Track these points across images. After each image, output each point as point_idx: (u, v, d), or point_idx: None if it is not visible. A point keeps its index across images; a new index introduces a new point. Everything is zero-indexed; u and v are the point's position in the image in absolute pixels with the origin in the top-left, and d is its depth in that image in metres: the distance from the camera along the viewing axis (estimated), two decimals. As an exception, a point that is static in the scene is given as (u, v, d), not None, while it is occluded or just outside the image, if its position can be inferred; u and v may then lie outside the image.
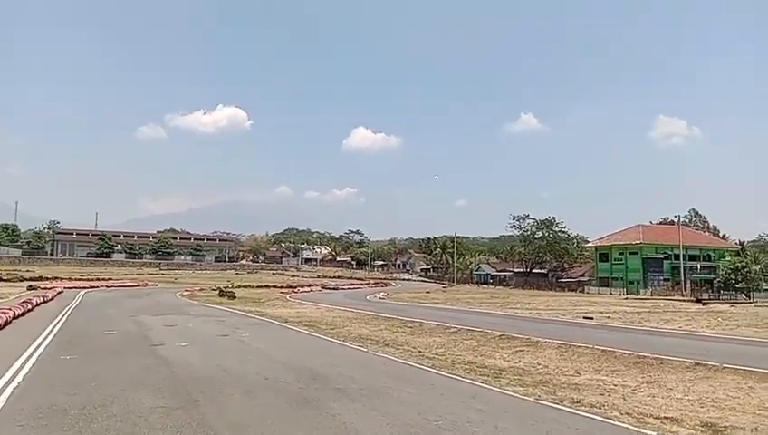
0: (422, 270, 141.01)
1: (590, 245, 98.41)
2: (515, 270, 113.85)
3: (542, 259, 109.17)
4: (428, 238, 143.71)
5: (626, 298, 61.92)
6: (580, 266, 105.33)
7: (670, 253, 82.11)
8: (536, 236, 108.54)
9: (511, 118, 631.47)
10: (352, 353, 15.27)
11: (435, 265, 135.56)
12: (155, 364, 12.74)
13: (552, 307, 40.91)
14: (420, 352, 15.63)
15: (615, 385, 11.30)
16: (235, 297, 46.23)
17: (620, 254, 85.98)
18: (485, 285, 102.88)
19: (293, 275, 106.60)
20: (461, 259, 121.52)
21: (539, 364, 13.86)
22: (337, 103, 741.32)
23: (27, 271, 77.83)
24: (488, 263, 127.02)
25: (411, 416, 8.18)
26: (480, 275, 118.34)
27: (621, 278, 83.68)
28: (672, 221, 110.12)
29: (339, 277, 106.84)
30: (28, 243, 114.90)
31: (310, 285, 77.54)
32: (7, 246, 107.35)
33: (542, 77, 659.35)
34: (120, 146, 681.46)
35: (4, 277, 59.90)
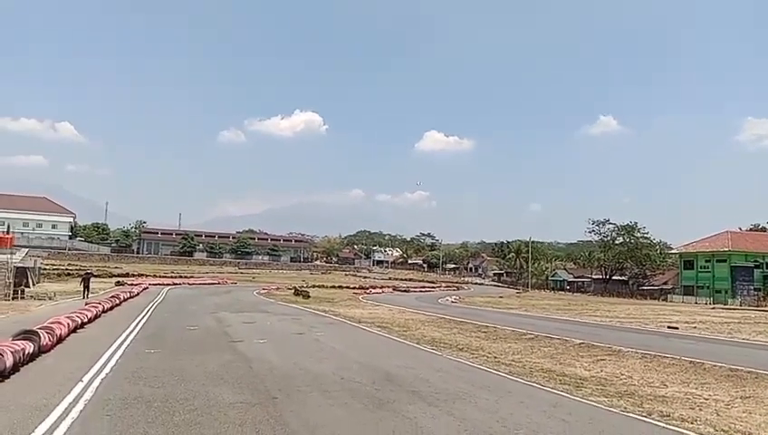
0: (495, 275, 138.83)
1: (674, 251, 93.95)
2: (594, 277, 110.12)
3: (623, 266, 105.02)
4: (502, 242, 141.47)
5: (713, 308, 58.60)
6: (663, 274, 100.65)
7: (761, 261, 77.19)
8: (616, 242, 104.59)
9: (589, 120, 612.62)
10: (426, 356, 15.11)
11: (508, 270, 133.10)
12: (234, 360, 13.06)
13: (633, 316, 39.22)
14: (496, 357, 15.29)
15: (706, 399, 10.62)
16: (310, 297, 47.02)
17: (707, 261, 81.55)
18: (561, 292, 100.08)
19: (365, 277, 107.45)
20: (536, 264, 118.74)
21: (622, 374, 13.24)
22: (409, 107, 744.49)
23: (116, 268, 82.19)
24: (565, 269, 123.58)
25: (490, 423, 7.95)
26: (556, 281, 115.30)
27: (708, 287, 79.33)
28: (763, 228, 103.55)
29: (410, 280, 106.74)
30: (117, 241, 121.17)
31: (381, 287, 77.92)
32: (98, 244, 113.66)
33: (622, 78, 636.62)
34: (202, 149, 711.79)
35: (95, 274, 63.45)
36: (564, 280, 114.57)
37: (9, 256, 31.79)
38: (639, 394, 10.82)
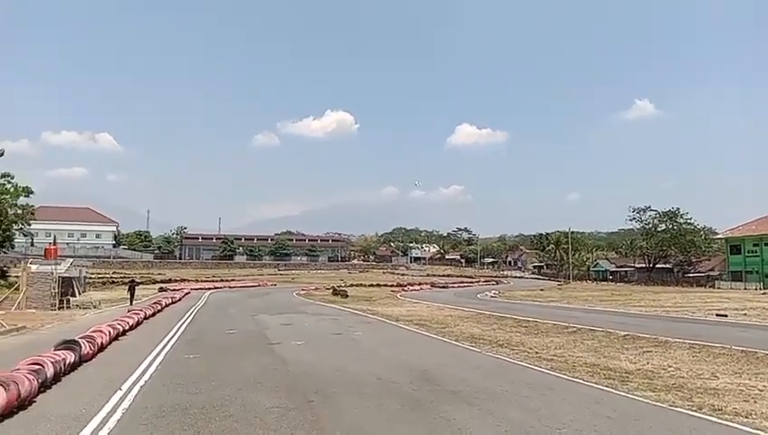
0: (534, 267, 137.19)
1: (719, 236, 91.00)
2: (637, 265, 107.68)
3: (667, 253, 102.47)
4: (540, 234, 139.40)
5: (763, 293, 56.55)
6: (709, 260, 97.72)
7: (813, 242, 74.11)
8: (659, 229, 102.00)
9: (624, 105, 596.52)
10: (465, 354, 14.87)
11: (548, 262, 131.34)
12: (272, 363, 13.05)
13: (679, 304, 38.15)
14: (537, 353, 14.95)
15: (761, 391, 10.13)
16: (348, 296, 47.15)
17: (755, 245, 78.69)
18: (604, 282, 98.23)
19: (403, 274, 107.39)
20: (576, 255, 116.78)
21: (669, 367, 12.78)
22: (440, 101, 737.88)
23: (158, 274, 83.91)
24: (606, 258, 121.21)
25: (531, 422, 7.70)
26: (598, 271, 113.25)
27: (757, 272, 76.52)
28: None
29: (448, 275, 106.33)
30: (159, 248, 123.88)
31: (419, 284, 77.72)
32: (141, 251, 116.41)
33: (657, 61, 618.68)
34: (238, 154, 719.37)
35: (139, 281, 64.88)
36: (606, 270, 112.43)
37: (54, 266, 32.63)
38: (689, 387, 10.40)
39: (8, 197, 42.21)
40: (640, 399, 9.42)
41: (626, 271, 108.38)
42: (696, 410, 8.56)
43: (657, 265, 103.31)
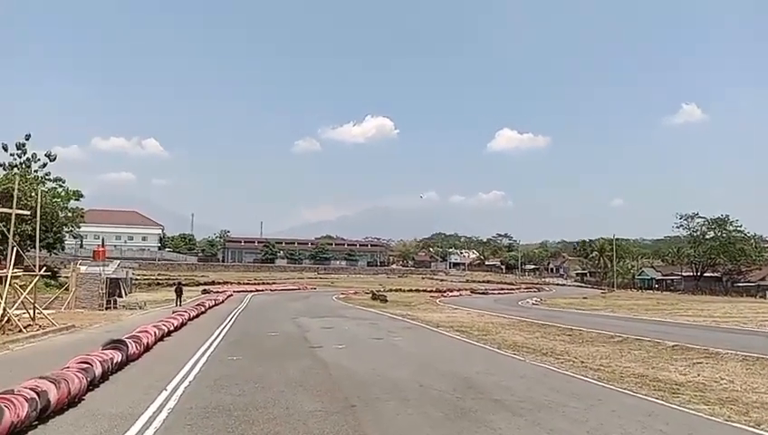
0: (577, 275, 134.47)
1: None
2: (683, 274, 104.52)
3: (715, 262, 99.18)
4: (583, 241, 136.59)
5: (820, 305, 54.20)
6: (760, 269, 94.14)
7: None
8: (707, 237, 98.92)
9: (670, 109, 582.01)
10: (508, 362, 14.61)
11: (591, 270, 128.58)
12: (313, 366, 13.06)
13: (729, 314, 36.83)
14: (583, 362, 14.57)
15: (822, 407, 9.62)
16: (387, 301, 47.07)
17: (811, 255, 75.62)
18: (649, 291, 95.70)
19: (442, 280, 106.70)
20: (621, 263, 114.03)
21: (722, 379, 12.28)
22: (480, 106, 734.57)
23: (202, 276, 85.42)
24: (652, 266, 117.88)
25: (580, 434, 7.47)
26: (643, 279, 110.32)
27: (813, 282, 73.54)
28: None
29: (488, 282, 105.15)
30: (203, 250, 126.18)
31: (459, 290, 77.15)
32: (185, 253, 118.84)
33: (703, 64, 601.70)
34: (280, 159, 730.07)
35: (183, 282, 66.18)
36: (652, 278, 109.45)
37: (102, 268, 33.56)
38: (744, 401, 9.95)
39: (60, 200, 43.64)
40: (693, 412, 9.06)
41: (672, 280, 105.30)
42: (754, 426, 8.16)
43: (705, 274, 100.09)
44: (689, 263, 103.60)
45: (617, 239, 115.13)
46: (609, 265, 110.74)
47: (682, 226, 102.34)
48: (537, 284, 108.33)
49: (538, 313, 37.87)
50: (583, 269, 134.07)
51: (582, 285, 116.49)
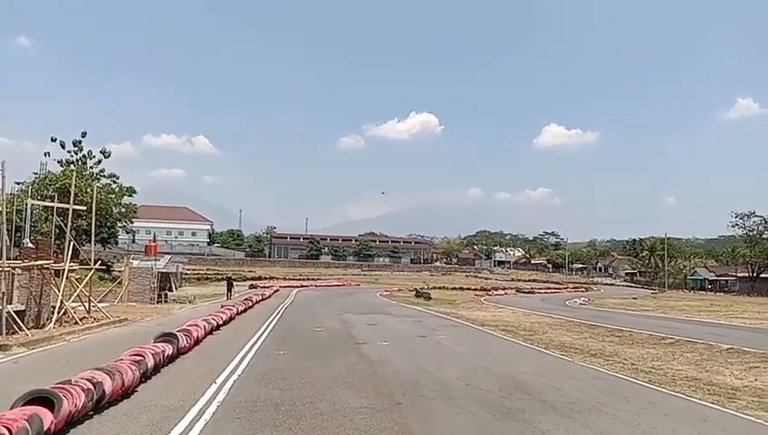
0: (627, 274, 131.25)
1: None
2: (738, 275, 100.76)
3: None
4: (634, 240, 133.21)
5: None
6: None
7: None
8: (764, 237, 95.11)
9: (725, 104, 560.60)
10: (556, 362, 14.34)
11: (641, 270, 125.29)
12: (358, 362, 13.11)
13: (789, 318, 35.30)
14: (633, 364, 14.19)
15: None
16: (431, 298, 46.94)
17: None
18: (702, 292, 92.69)
19: (486, 278, 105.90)
20: (672, 262, 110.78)
21: (783, 385, 11.76)
22: (526, 101, 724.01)
23: (249, 271, 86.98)
24: (705, 266, 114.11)
25: (632, 439, 7.27)
26: (695, 280, 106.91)
27: None
28: None
29: (534, 281, 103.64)
30: (250, 246, 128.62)
31: (504, 288, 76.33)
32: (233, 249, 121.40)
33: (759, 57, 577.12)
34: (325, 156, 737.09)
35: (233, 277, 67.57)
36: (705, 279, 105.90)
37: (154, 262, 34.48)
38: (807, 409, 9.49)
39: (114, 196, 45.03)
40: (752, 418, 8.70)
41: (726, 280, 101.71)
42: (819, 436, 7.79)
43: (762, 275, 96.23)
44: (745, 263, 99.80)
45: (668, 238, 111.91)
46: (660, 265, 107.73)
47: (737, 225, 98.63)
48: (585, 283, 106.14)
49: (586, 313, 37.12)
50: (633, 269, 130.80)
51: (632, 285, 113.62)
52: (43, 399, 6.66)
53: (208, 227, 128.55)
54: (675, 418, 8.52)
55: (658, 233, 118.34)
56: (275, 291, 51.56)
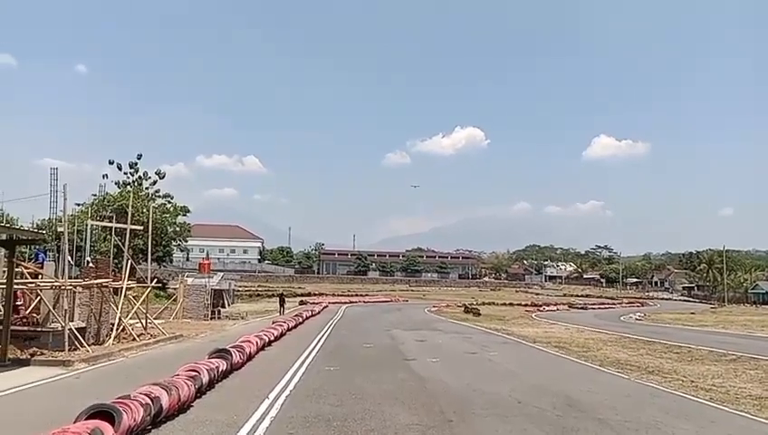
0: (684, 288, 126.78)
1: None
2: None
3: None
4: (690, 253, 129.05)
5: None
6: None
7: None
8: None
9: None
10: (611, 380, 13.96)
11: (699, 283, 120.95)
12: (408, 379, 13.08)
13: None
14: (693, 381, 13.68)
15: None
16: (480, 314, 46.39)
17: None
18: (765, 306, 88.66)
19: (537, 293, 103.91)
20: (732, 276, 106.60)
21: None
22: (573, 113, 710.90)
23: (299, 287, 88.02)
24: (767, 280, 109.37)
25: (693, 460, 7.02)
26: (757, 293, 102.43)
27: None
28: None
29: (587, 296, 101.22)
30: (299, 263, 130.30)
31: (555, 304, 74.75)
32: (283, 265, 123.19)
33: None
34: (371, 173, 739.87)
35: (285, 293, 68.54)
36: (767, 293, 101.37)
37: (207, 279, 35.29)
38: None
39: (168, 216, 46.41)
40: (824, 440, 8.28)
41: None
42: None
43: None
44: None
45: (727, 251, 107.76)
46: (719, 279, 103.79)
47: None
48: (640, 298, 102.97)
49: (642, 328, 36.00)
50: (690, 283, 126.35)
51: (690, 299, 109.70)
52: (104, 413, 6.91)
53: (259, 244, 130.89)
54: (739, 438, 8.19)
55: (716, 245, 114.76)
56: (324, 307, 51.88)
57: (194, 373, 10.06)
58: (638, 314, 58.87)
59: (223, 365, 11.96)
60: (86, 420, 6.72)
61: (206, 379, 10.40)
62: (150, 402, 7.72)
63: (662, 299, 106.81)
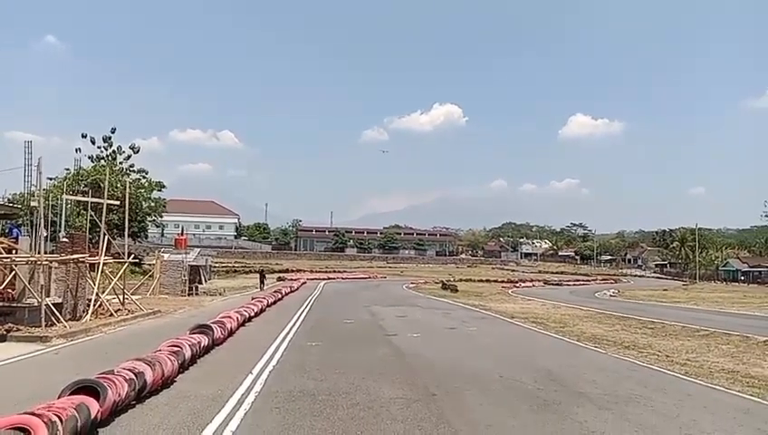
0: (656, 266, 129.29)
1: None
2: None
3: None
4: (663, 231, 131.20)
5: None
6: None
7: None
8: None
9: (755, 92, 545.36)
10: (589, 355, 14.22)
11: (672, 261, 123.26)
12: (390, 354, 13.19)
13: (827, 310, 34.46)
14: (668, 356, 13.99)
15: None
16: (458, 290, 46.82)
17: None
18: (735, 283, 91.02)
19: (513, 270, 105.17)
20: (704, 253, 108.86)
21: (824, 378, 11.49)
22: (551, 91, 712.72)
23: (276, 264, 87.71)
24: (738, 257, 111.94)
25: (671, 430, 7.20)
26: (727, 271, 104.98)
27: None
28: None
29: (562, 273, 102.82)
30: (276, 239, 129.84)
31: (531, 281, 75.83)
32: (260, 242, 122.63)
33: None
34: (348, 150, 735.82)
35: (258, 269, 68.28)
36: (737, 270, 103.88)
37: (184, 255, 35.02)
38: None
39: (143, 191, 45.71)
40: (795, 412, 8.54)
41: (760, 271, 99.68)
42: None
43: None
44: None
45: (699, 229, 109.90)
46: (691, 256, 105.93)
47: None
48: (614, 275, 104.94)
49: (616, 305, 36.72)
50: (663, 260, 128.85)
51: (662, 276, 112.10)
52: (88, 388, 6.84)
53: (235, 220, 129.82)
54: (715, 411, 8.41)
55: (688, 223, 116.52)
56: (303, 283, 51.96)
57: (176, 348, 10.00)
58: (612, 290, 60.02)
59: (205, 341, 11.91)
60: (70, 395, 6.64)
61: (188, 354, 10.35)
62: (134, 377, 7.66)
63: (635, 276, 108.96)
